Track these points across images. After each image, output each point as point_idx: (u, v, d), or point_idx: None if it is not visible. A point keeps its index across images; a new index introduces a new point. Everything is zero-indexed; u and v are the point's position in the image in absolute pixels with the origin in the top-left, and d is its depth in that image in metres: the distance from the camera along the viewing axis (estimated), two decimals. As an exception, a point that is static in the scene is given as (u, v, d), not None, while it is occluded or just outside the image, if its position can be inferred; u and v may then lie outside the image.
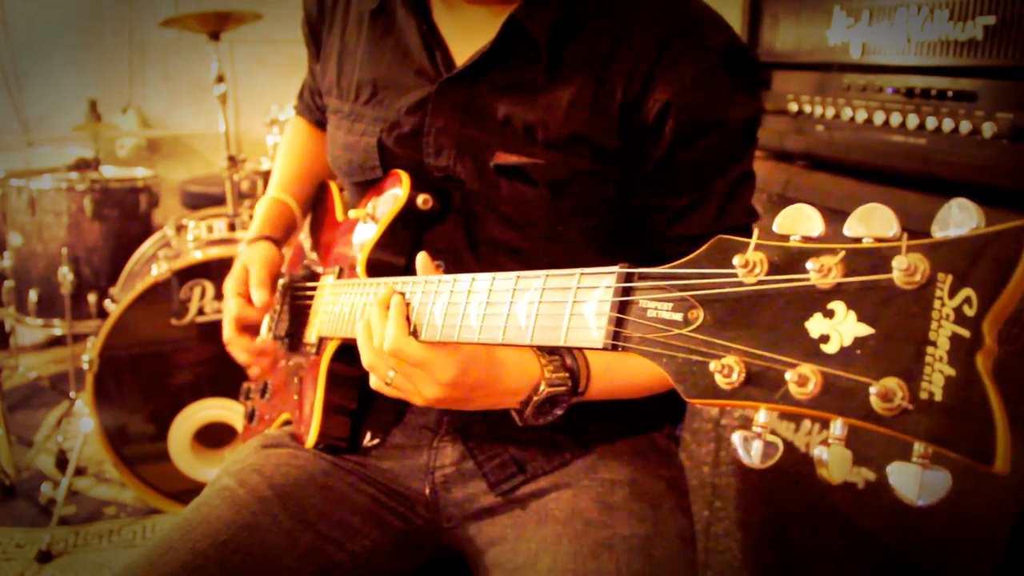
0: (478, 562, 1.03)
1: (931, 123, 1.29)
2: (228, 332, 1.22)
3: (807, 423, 1.45)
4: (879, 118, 1.39)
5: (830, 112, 1.51)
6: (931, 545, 1.20)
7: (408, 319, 0.86)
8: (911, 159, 1.33)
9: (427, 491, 1.08)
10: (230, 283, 1.21)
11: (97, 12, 3.58)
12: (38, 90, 3.56)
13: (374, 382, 0.91)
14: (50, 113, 3.55)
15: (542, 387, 0.87)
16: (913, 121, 1.32)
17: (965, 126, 1.23)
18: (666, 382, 0.95)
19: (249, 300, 1.19)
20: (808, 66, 1.60)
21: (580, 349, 0.67)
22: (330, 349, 1.08)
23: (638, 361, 0.94)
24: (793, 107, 1.60)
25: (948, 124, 1.26)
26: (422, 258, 0.91)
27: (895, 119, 1.35)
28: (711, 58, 0.93)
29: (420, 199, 1.01)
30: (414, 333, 0.85)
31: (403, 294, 0.88)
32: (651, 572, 0.91)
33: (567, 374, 0.89)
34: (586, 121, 0.95)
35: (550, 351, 0.90)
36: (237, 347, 1.22)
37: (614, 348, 0.63)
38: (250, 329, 1.23)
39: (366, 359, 0.89)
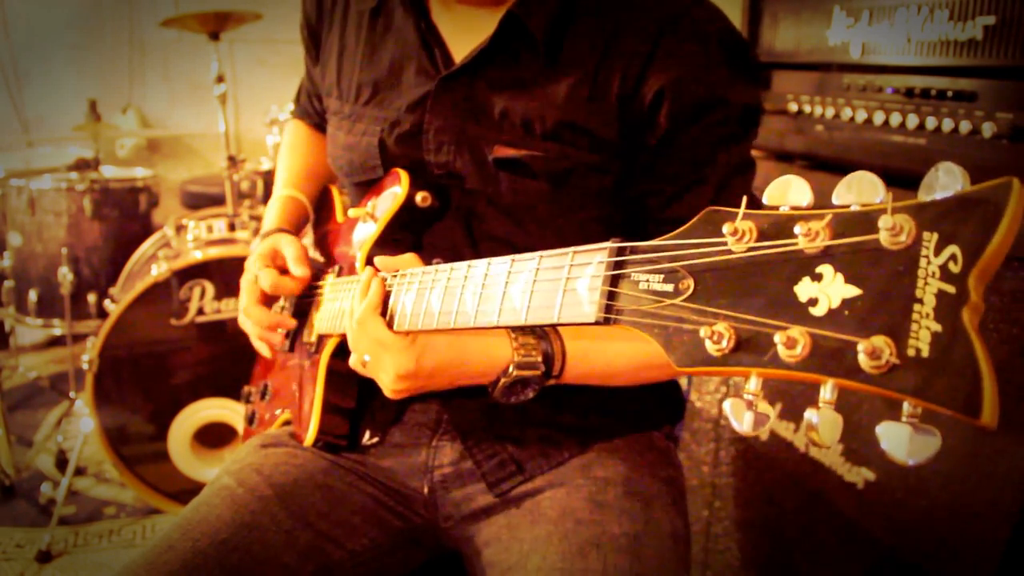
0: (474, 562, 1.03)
1: (931, 123, 1.29)
2: (248, 301, 1.16)
3: (804, 429, 1.45)
4: (879, 118, 1.39)
5: (830, 112, 1.51)
6: (931, 545, 1.20)
7: (385, 303, 0.90)
8: (911, 159, 1.33)
9: (425, 490, 1.08)
10: (257, 258, 1.15)
11: (97, 12, 3.58)
12: (38, 90, 3.56)
13: (353, 359, 0.94)
14: (50, 113, 3.55)
15: (511, 370, 0.88)
16: (913, 121, 1.32)
17: (965, 126, 1.23)
18: (648, 367, 0.96)
19: (282, 273, 1.14)
20: (808, 66, 1.60)
21: (572, 325, 0.67)
22: (329, 347, 1.08)
23: (615, 348, 0.95)
24: (793, 107, 1.61)
25: (948, 124, 1.26)
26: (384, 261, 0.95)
27: (895, 119, 1.35)
28: (706, 43, 0.93)
29: (419, 196, 1.01)
30: (412, 325, 0.85)
31: (384, 279, 0.91)
32: (639, 571, 0.91)
33: (540, 359, 0.90)
34: (583, 113, 0.95)
35: (524, 332, 0.91)
36: (255, 316, 1.16)
37: (606, 322, 0.63)
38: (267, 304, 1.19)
39: (350, 338, 0.93)
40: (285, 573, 0.96)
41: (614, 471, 1.03)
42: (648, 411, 1.12)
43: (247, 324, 1.19)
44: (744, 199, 0.56)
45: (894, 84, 1.38)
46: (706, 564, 1.72)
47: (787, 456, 1.48)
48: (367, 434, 1.11)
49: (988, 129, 1.19)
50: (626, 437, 1.09)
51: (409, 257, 0.93)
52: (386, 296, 0.91)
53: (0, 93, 3.49)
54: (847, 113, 1.46)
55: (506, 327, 0.75)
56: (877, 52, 1.41)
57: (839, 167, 1.50)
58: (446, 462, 1.07)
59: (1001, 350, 1.12)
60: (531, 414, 1.04)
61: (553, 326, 0.91)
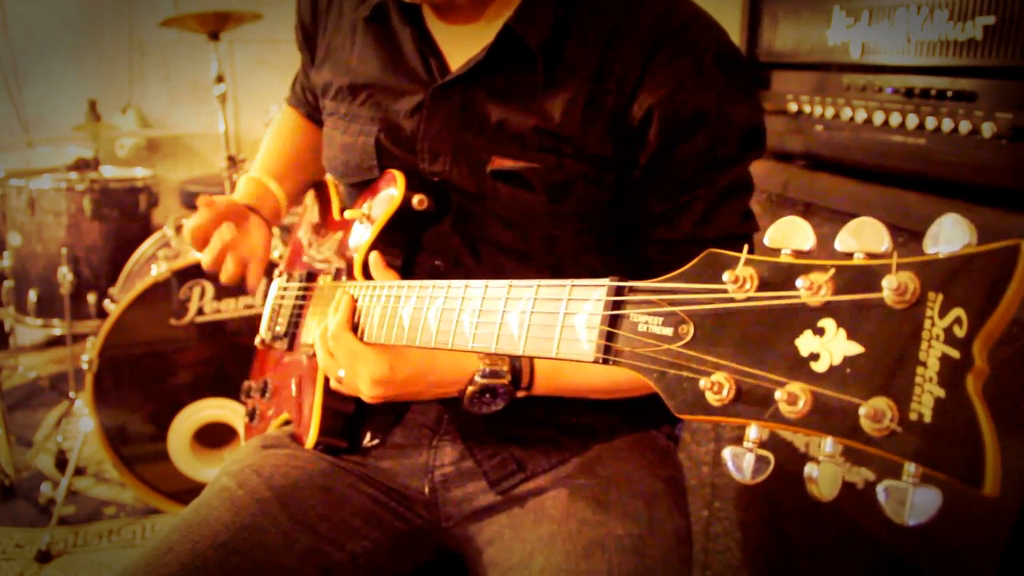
0: (476, 561, 1.03)
1: (931, 123, 1.29)
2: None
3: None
4: (879, 118, 1.39)
5: (830, 112, 1.51)
6: (931, 545, 1.20)
7: (353, 313, 0.96)
8: (911, 159, 1.33)
9: (426, 490, 1.08)
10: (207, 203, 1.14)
11: (97, 12, 3.58)
12: (38, 90, 3.56)
13: (332, 380, 1.01)
14: (50, 113, 3.55)
15: (476, 378, 0.92)
16: (913, 121, 1.32)
17: (965, 126, 1.23)
18: (628, 384, 0.97)
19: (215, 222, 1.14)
20: (808, 66, 1.60)
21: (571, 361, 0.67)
22: (328, 350, 1.07)
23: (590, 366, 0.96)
24: (793, 107, 1.60)
25: (948, 124, 1.26)
26: (375, 257, 1.00)
27: (895, 119, 1.35)
28: (700, 61, 0.91)
29: (415, 199, 1.01)
30: (408, 341, 0.85)
31: (355, 297, 0.97)
32: (643, 572, 0.91)
33: (507, 368, 0.93)
34: (579, 129, 0.95)
35: None
36: (200, 220, 1.15)
37: (605, 362, 0.63)
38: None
39: (321, 362, 0.99)
40: (285, 575, 0.96)
41: (616, 470, 1.03)
42: (648, 410, 1.11)
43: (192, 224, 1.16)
44: (745, 248, 0.56)
45: (894, 84, 1.37)
46: (706, 564, 1.72)
47: (787, 456, 1.48)
48: (368, 435, 1.11)
49: (988, 129, 1.19)
50: (627, 437, 1.10)
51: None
52: (363, 308, 0.95)
53: (0, 93, 3.49)
54: (847, 113, 1.46)
55: (504, 355, 0.76)
56: (877, 52, 1.41)
57: (839, 167, 1.49)
58: (447, 462, 1.07)
59: (1001, 350, 1.11)
60: (532, 414, 1.04)
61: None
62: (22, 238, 2.57)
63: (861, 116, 1.43)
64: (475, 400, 0.93)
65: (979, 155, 1.21)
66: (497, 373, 0.92)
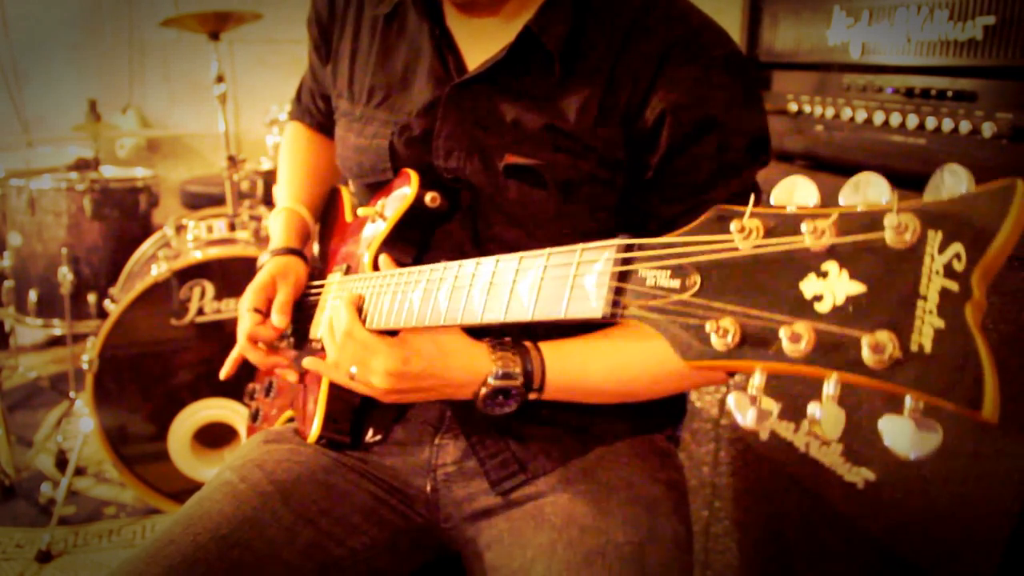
0: (474, 564, 1.03)
1: (931, 123, 1.29)
2: (242, 342, 1.19)
3: (807, 423, 1.45)
4: (879, 118, 1.39)
5: (830, 112, 1.51)
6: (931, 545, 1.20)
7: (359, 309, 0.97)
8: (911, 159, 1.33)
9: (428, 488, 1.08)
10: (251, 295, 1.17)
11: (97, 12, 3.58)
12: (38, 90, 3.56)
13: (338, 376, 0.98)
14: (50, 113, 3.55)
15: (489, 380, 0.91)
16: (913, 121, 1.32)
17: (965, 126, 1.23)
18: (640, 386, 0.97)
19: (265, 318, 1.17)
20: (808, 66, 1.60)
21: (579, 321, 0.68)
22: (334, 346, 1.07)
23: (597, 367, 0.97)
24: (793, 107, 1.61)
25: (948, 124, 1.26)
26: (384, 260, 1.00)
27: (895, 119, 1.35)
28: (710, 67, 0.93)
29: (428, 197, 1.02)
30: (418, 322, 0.86)
31: (362, 296, 0.98)
32: None
33: (519, 370, 0.92)
34: (591, 131, 0.96)
35: (504, 347, 0.93)
36: (251, 358, 1.20)
37: (613, 316, 0.64)
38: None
39: (331, 356, 0.97)
40: (285, 570, 0.96)
41: (616, 476, 1.03)
42: (650, 413, 1.12)
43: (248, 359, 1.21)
44: (752, 197, 0.57)
45: (894, 84, 1.38)
46: (706, 564, 1.72)
47: (787, 456, 1.48)
48: (370, 431, 1.12)
49: (988, 129, 1.19)
50: (628, 440, 1.10)
51: None
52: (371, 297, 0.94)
53: (0, 93, 3.49)
54: (847, 113, 1.46)
55: (513, 323, 0.76)
56: (877, 52, 1.41)
57: (839, 167, 1.50)
58: (449, 460, 1.07)
59: (1001, 350, 1.12)
60: (535, 413, 1.04)
61: (556, 323, 0.93)
62: (22, 238, 2.57)
63: (861, 116, 1.43)
64: (488, 402, 0.93)
65: (979, 155, 1.21)
66: (510, 375, 0.91)
